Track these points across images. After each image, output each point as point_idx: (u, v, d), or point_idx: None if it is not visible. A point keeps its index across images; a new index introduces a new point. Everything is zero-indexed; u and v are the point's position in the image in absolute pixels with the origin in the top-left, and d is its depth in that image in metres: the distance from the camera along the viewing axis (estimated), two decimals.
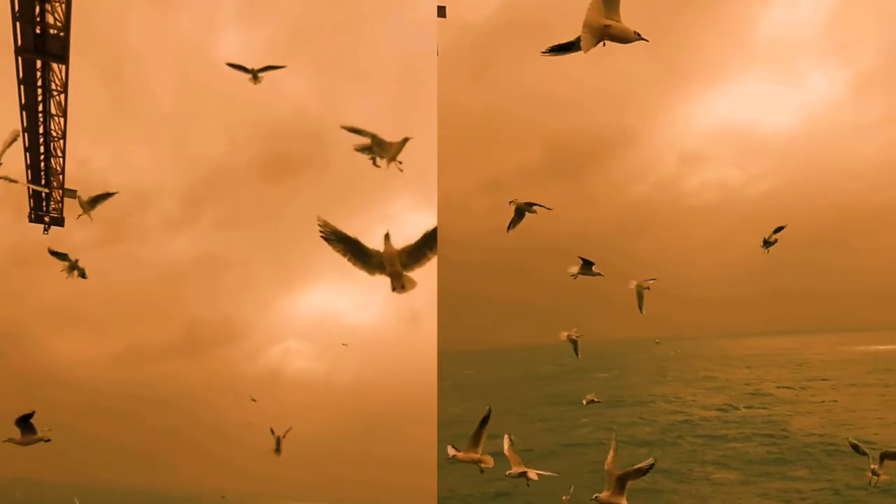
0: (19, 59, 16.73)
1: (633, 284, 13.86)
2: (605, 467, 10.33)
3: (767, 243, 13.05)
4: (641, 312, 13.54)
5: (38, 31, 16.16)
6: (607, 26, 5.91)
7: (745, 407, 46.63)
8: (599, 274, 13.17)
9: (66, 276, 15.37)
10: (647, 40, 6.11)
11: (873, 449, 29.34)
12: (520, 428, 39.77)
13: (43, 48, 16.39)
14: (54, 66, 17.24)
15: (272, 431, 13.92)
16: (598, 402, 26.12)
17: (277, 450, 13.82)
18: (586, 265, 13.10)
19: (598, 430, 40.89)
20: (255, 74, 14.90)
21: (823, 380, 60.59)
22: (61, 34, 16.34)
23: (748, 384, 58.92)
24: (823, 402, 47.81)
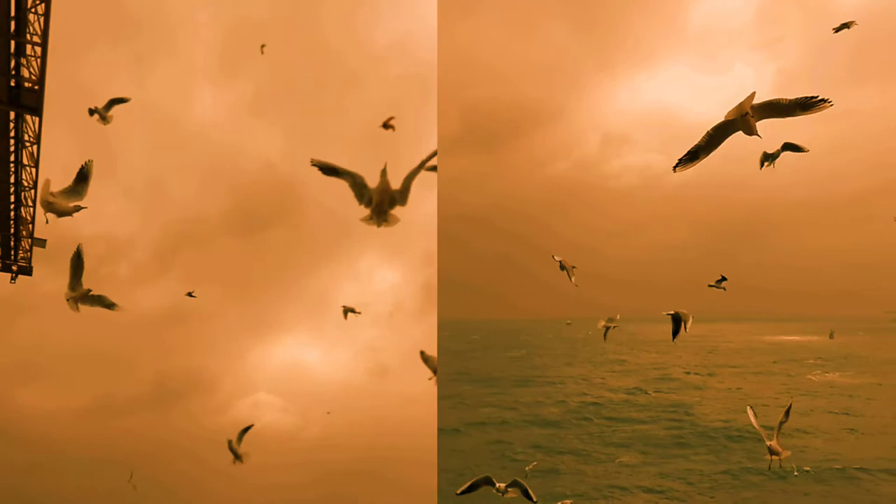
0: None
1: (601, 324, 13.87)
2: None
3: (770, 157, 11.62)
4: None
5: (12, 83, 16.05)
6: (746, 116, 7.34)
7: (653, 391, 46.71)
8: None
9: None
10: (760, 136, 7.42)
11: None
12: None
13: (17, 101, 16.22)
14: (28, 117, 17.06)
15: (230, 443, 12.23)
16: None
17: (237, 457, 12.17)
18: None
19: (503, 409, 40.18)
20: (102, 115, 14.17)
21: (731, 367, 61.68)
22: (36, 87, 16.20)
23: (657, 368, 59.46)
24: (729, 389, 48.40)
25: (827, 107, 7.02)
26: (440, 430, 33.35)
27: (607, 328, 14.36)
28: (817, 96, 7.00)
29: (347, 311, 18.71)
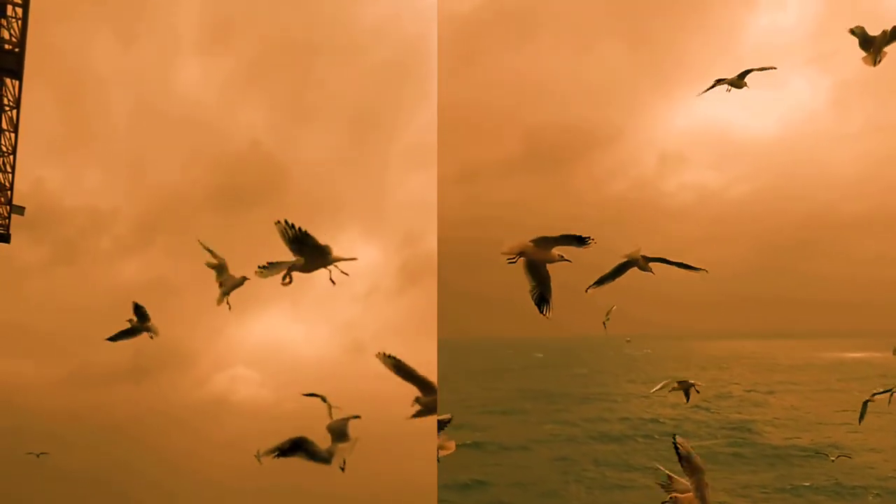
0: None
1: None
2: None
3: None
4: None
5: None
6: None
7: (713, 409, 46.89)
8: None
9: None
10: None
11: (839, 453, 29.60)
12: (488, 420, 39.78)
13: None
14: (7, 81, 16.57)
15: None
16: None
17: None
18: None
19: (566, 426, 41.04)
20: None
21: (792, 384, 61.14)
22: (16, 50, 15.75)
23: (717, 386, 59.28)
24: (791, 406, 48.24)
25: None
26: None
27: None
28: None
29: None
